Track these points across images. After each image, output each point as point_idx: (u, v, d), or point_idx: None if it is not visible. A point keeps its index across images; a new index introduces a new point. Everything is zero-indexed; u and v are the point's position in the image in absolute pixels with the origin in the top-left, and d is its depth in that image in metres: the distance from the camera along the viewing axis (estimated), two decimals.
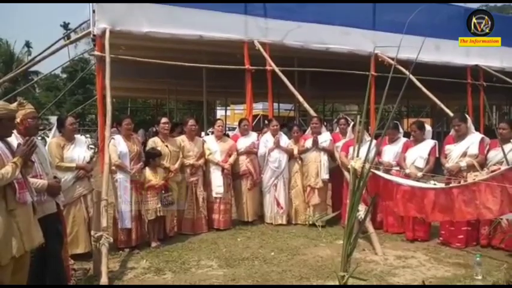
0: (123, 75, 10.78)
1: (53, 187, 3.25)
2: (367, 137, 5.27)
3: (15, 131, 3.08)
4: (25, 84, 19.71)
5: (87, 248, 4.45)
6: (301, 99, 7.07)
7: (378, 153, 5.40)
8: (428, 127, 5.75)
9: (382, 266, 4.32)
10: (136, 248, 4.89)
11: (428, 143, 5.40)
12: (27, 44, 33.30)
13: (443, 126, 16.31)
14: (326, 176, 5.88)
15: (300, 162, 6.07)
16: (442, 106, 7.57)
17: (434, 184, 4.22)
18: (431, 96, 7.80)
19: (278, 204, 6.01)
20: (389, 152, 5.59)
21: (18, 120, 3.17)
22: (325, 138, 6.04)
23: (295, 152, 6.06)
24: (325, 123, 7.54)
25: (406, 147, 5.49)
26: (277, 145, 6.02)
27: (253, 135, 6.31)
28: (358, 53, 8.45)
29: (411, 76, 4.96)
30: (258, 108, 16.44)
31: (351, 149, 5.36)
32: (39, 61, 8.94)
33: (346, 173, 5.44)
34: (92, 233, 4.00)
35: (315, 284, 3.84)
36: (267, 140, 6.16)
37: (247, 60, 7.57)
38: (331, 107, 23.20)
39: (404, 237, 5.25)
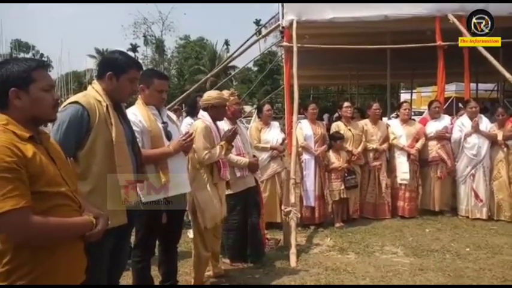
0: (305, 64, 11.23)
1: (252, 164, 3.78)
2: None
3: None
4: (225, 78, 22.68)
5: (280, 219, 4.92)
6: (508, 75, 6.01)
7: None
8: None
9: None
10: (321, 226, 5.14)
11: None
12: (226, 43, 38.50)
13: None
14: None
15: (505, 149, 5.23)
16: None
17: None
18: None
19: (476, 196, 5.33)
20: None
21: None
22: None
23: (500, 137, 5.24)
24: None
25: None
26: (476, 129, 5.32)
27: (445, 119, 5.76)
28: None
29: None
30: (451, 89, 14.63)
31: None
32: (236, 57, 10.21)
33: None
34: (283, 207, 4.42)
35: None
36: (462, 123, 5.50)
37: (438, 36, 6.86)
38: None
39: None
